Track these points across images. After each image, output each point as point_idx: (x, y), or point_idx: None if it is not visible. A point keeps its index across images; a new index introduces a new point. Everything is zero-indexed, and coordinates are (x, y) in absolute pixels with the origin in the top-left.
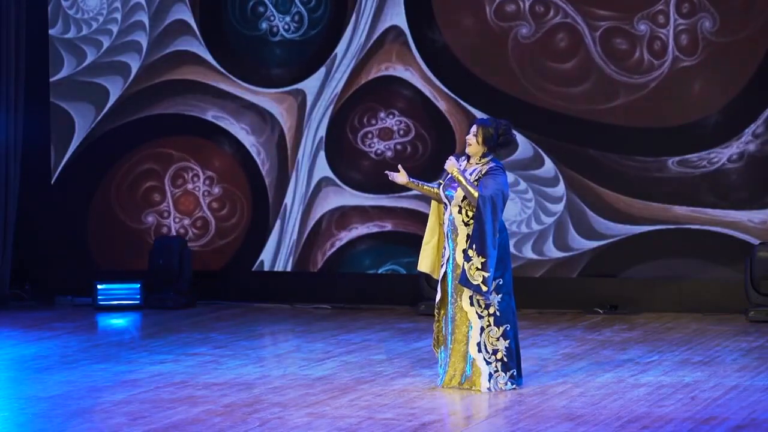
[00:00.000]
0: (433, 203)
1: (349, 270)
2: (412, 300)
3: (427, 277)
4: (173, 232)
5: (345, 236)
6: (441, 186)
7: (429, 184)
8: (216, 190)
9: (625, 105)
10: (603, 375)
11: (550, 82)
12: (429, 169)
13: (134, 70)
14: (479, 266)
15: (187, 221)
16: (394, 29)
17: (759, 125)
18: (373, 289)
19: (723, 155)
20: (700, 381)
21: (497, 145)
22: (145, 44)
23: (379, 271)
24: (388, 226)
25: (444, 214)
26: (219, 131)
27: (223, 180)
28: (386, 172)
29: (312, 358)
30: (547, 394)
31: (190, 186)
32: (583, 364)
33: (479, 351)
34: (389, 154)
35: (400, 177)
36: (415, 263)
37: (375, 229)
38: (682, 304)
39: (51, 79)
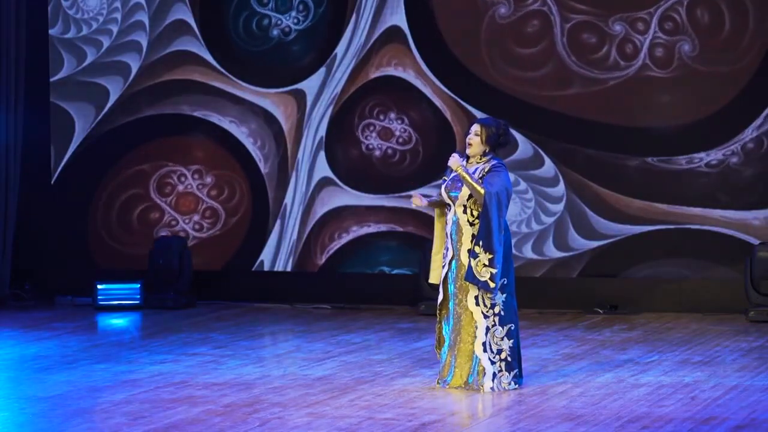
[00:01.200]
0: (437, 210)
1: (349, 270)
2: (412, 300)
3: (427, 277)
4: (192, 233)
5: (345, 236)
6: (443, 187)
7: (437, 197)
8: (208, 179)
9: (577, 95)
10: (603, 375)
11: (509, 64)
12: (406, 180)
13: (134, 70)
14: (486, 263)
15: (197, 217)
16: (394, 29)
17: (749, 138)
18: (373, 289)
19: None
20: (700, 381)
21: (498, 145)
22: (145, 44)
23: (379, 271)
24: (389, 227)
25: (446, 216)
26: (218, 130)
27: (215, 169)
28: (412, 199)
29: (312, 358)
30: (547, 394)
31: (181, 188)
32: (583, 364)
33: (484, 351)
34: (377, 153)
35: (421, 202)
36: (416, 263)
37: (375, 229)
38: (682, 304)
39: (51, 79)
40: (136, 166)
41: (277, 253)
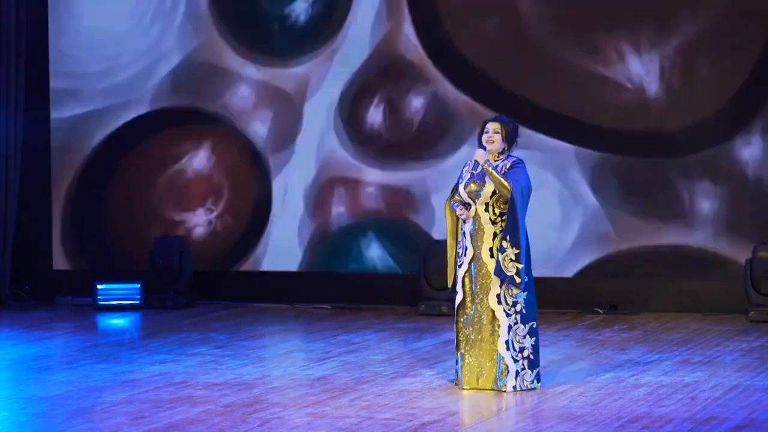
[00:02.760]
0: (448, 210)
1: (349, 270)
2: (412, 300)
3: (427, 277)
4: (214, 210)
5: (346, 236)
6: (462, 185)
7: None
8: (200, 162)
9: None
10: (603, 375)
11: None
12: (404, 181)
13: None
14: (513, 257)
15: (211, 199)
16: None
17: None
18: (373, 289)
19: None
20: (700, 381)
21: (513, 142)
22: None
23: (380, 271)
24: (390, 227)
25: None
26: (220, 126)
27: (215, 157)
28: (462, 214)
29: (312, 358)
30: (547, 394)
31: (175, 190)
32: (583, 364)
33: (507, 349)
34: (373, 127)
35: (481, 156)
36: (417, 263)
37: (376, 229)
38: (682, 304)
39: (51, 80)
40: (137, 167)
41: (277, 254)
